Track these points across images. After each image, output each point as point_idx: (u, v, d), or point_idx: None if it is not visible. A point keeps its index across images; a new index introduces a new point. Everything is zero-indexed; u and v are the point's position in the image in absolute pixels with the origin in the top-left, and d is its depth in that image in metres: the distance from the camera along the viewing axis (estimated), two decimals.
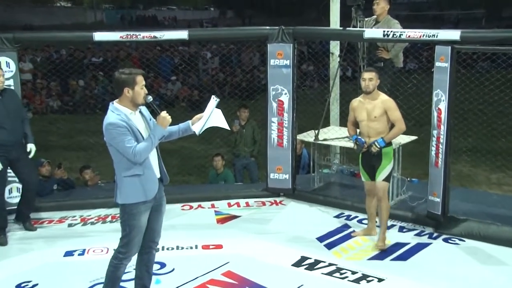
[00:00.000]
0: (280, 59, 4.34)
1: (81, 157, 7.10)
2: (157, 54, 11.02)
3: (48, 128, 8.35)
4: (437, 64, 3.46)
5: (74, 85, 10.17)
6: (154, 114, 2.79)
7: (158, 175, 2.75)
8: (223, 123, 2.84)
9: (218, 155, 5.76)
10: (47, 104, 9.80)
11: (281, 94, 4.42)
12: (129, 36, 4.02)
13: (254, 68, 10.69)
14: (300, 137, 4.71)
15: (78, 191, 4.96)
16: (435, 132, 3.57)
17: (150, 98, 2.74)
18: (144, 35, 4.07)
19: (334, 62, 4.78)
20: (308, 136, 4.67)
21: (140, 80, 2.72)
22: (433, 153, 3.62)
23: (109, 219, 4.11)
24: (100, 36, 4.10)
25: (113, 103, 2.76)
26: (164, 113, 2.75)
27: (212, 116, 2.81)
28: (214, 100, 2.81)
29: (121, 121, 2.60)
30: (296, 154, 4.75)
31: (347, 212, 4.05)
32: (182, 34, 4.10)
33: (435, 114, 3.52)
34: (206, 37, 4.97)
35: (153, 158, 2.81)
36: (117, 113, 2.63)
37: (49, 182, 4.98)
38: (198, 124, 2.81)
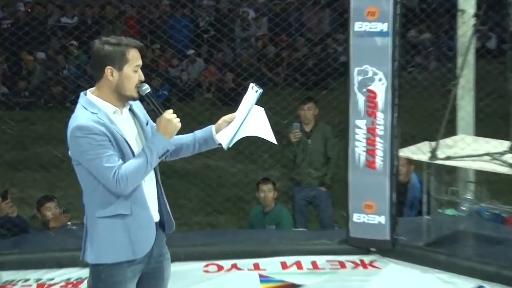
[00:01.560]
0: (372, 21, 4.31)
1: (40, 181, 7.41)
2: (166, 13, 11.24)
3: None
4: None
5: (30, 61, 10.47)
6: (155, 114, 2.88)
7: (157, 218, 2.84)
8: (266, 132, 2.95)
9: (267, 182, 5.84)
10: None
11: (372, 80, 4.43)
12: None
13: (326, 37, 10.76)
14: (405, 153, 4.63)
15: (34, 237, 5.05)
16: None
17: (147, 88, 2.80)
18: None
19: (466, 25, 4.66)
20: (419, 152, 4.53)
21: (134, 56, 2.80)
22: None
23: (84, 286, 4.09)
24: None
25: (86, 94, 2.84)
26: (169, 114, 2.79)
27: (249, 119, 2.91)
28: (253, 92, 2.92)
29: (98, 124, 2.70)
30: (399, 182, 4.74)
31: (489, 286, 3.95)
32: None
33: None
34: None
35: (150, 188, 2.88)
36: (91, 110, 2.77)
37: None
38: (227, 132, 2.90)
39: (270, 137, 2.92)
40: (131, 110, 2.87)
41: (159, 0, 11.61)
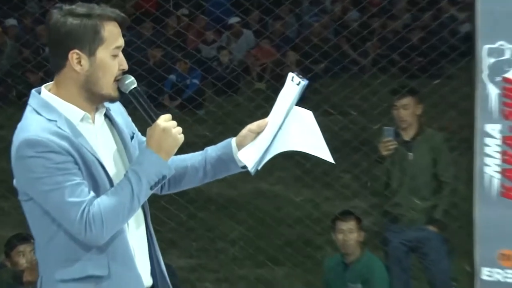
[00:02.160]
0: None
1: (10, 212, 7.64)
2: None
3: None
4: None
5: None
6: (143, 122, 2.98)
7: (148, 282, 2.98)
8: (315, 146, 3.10)
9: (348, 218, 5.98)
10: None
11: (511, 64, 4.47)
12: None
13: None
14: None
15: None
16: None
17: (131, 81, 2.93)
18: None
19: None
20: None
21: (112, 33, 2.91)
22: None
23: None
24: None
25: (39, 92, 2.97)
26: (165, 121, 2.91)
27: (288, 127, 3.08)
28: (294, 85, 3.08)
29: (57, 136, 2.81)
30: None
31: None
32: None
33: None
34: None
35: (137, 236, 2.97)
36: (47, 116, 2.88)
37: None
38: (255, 148, 3.09)
39: (323, 152, 3.03)
40: (107, 116, 2.99)
41: None
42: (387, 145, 5.80)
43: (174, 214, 6.92)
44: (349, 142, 7.29)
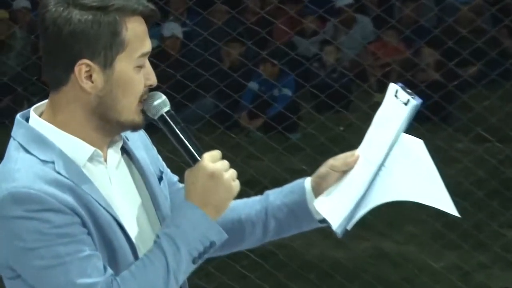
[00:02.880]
0: None
1: None
2: None
3: None
4: None
5: (1, 20, 11.26)
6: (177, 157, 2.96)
7: None
8: (434, 195, 3.04)
9: None
10: None
11: None
12: None
13: None
14: None
15: None
16: None
17: (162, 102, 2.91)
18: None
19: None
20: None
21: (136, 34, 2.86)
22: None
23: None
24: None
25: (27, 118, 2.89)
26: (212, 159, 2.87)
27: (391, 166, 3.05)
28: (399, 103, 3.04)
29: (56, 186, 2.78)
30: None
31: None
32: None
33: None
34: None
35: None
36: (40, 155, 2.84)
37: None
38: (340, 196, 3.09)
39: (442, 202, 2.98)
40: (125, 150, 3.00)
41: None
42: None
43: (255, 285, 7.05)
44: None
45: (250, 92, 10.58)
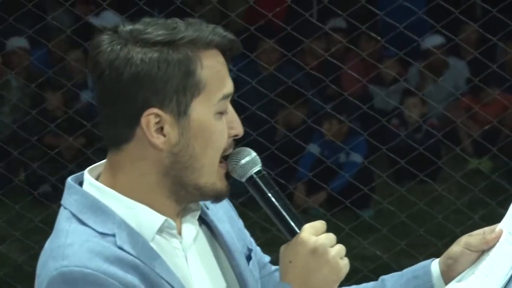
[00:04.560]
0: None
1: None
2: None
3: None
4: None
5: None
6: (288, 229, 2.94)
7: None
8: None
9: None
10: None
11: None
12: None
13: None
14: None
15: None
16: None
17: (250, 159, 2.94)
18: None
19: None
20: None
21: (215, 71, 2.88)
22: None
23: None
24: None
25: (81, 182, 2.92)
26: (316, 233, 2.89)
27: None
28: None
29: (117, 266, 2.83)
30: None
31: None
32: None
33: None
34: None
35: None
36: (97, 227, 2.88)
37: None
38: (480, 285, 3.12)
39: None
40: (203, 221, 3.03)
41: None
42: None
43: None
44: None
45: (310, 157, 10.69)
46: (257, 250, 3.13)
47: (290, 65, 10.18)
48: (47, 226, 9.10)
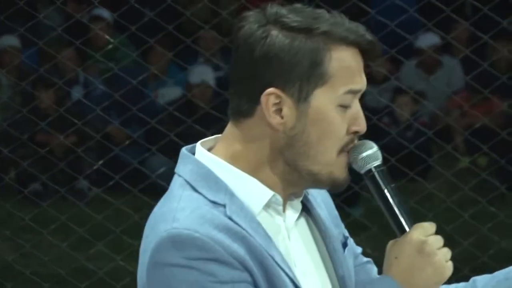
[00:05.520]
0: None
1: None
2: None
3: None
4: None
5: None
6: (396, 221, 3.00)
7: None
8: None
9: None
10: None
11: None
12: None
13: None
14: None
15: None
16: None
17: (372, 153, 2.98)
18: None
19: None
20: None
21: (344, 65, 2.92)
22: None
23: None
24: None
25: (193, 151, 3.03)
26: (425, 234, 2.95)
27: None
28: None
29: (228, 234, 2.90)
30: None
31: None
32: None
33: None
34: None
35: None
36: (210, 196, 2.96)
37: None
38: None
39: None
40: (305, 205, 3.06)
41: None
42: None
43: None
44: None
45: None
46: (351, 240, 3.15)
47: None
48: (38, 224, 9.14)
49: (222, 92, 9.66)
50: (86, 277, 8.63)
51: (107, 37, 10.90)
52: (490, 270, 3.21)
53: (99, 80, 11.08)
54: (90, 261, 8.69)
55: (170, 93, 11.14)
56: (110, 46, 10.83)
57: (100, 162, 9.02)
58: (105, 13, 11.33)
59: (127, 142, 9.96)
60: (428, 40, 11.77)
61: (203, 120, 8.62)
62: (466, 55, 10.77)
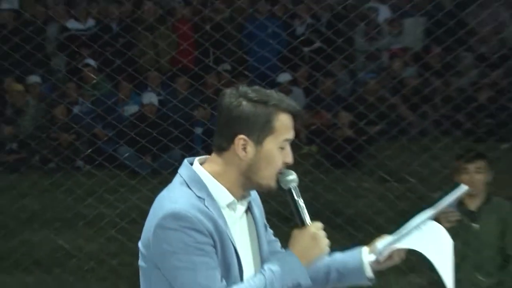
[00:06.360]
0: None
1: (34, 287, 7.75)
2: (243, 13, 11.34)
3: None
4: None
5: (19, 93, 11.05)
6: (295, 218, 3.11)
7: None
8: (444, 267, 3.21)
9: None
10: None
11: None
12: None
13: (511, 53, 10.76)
14: None
15: None
16: None
17: (294, 179, 3.11)
18: None
19: None
20: None
21: (284, 124, 3.07)
22: None
23: None
24: None
25: (192, 163, 3.14)
26: (317, 228, 3.08)
27: (426, 231, 3.34)
28: (457, 192, 3.36)
29: (205, 216, 3.00)
30: None
31: None
32: None
33: None
34: None
35: None
36: (198, 192, 3.05)
37: None
38: (389, 239, 3.33)
39: (445, 274, 3.17)
40: (249, 208, 3.17)
41: None
42: (449, 216, 5.57)
43: None
44: (406, 212, 7.24)
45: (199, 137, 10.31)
46: (268, 227, 3.26)
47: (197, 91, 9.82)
48: (53, 186, 8.75)
49: (162, 109, 9.56)
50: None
51: (93, 76, 10.78)
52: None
53: (89, 102, 10.99)
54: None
55: (131, 109, 11.00)
56: (94, 81, 10.79)
57: (89, 150, 9.00)
58: (91, 61, 11.09)
59: (105, 138, 9.94)
60: (284, 77, 11.44)
61: (151, 126, 8.52)
62: (306, 86, 10.73)
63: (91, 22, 11.97)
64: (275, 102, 3.00)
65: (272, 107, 3.00)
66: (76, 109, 10.68)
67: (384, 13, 12.20)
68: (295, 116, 3.05)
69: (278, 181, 3.06)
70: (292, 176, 3.05)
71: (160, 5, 11.66)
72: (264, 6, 11.47)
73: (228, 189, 3.04)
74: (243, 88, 3.04)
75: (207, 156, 3.11)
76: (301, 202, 3.07)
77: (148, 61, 10.11)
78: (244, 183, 3.05)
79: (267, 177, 3.03)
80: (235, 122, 3.00)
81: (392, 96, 10.46)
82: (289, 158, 3.04)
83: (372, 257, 3.24)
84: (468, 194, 5.80)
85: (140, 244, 3.04)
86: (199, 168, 3.06)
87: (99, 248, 8.00)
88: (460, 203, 5.78)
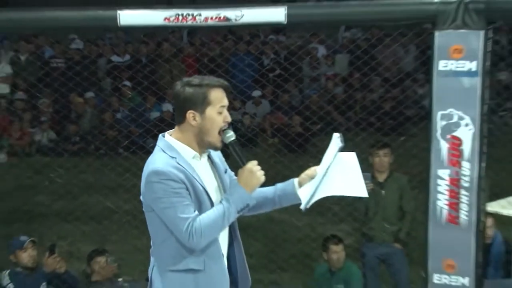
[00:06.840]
0: (459, 60, 4.06)
1: (90, 234, 7.50)
2: (228, 51, 11.26)
3: (33, 181, 8.85)
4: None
5: (80, 104, 10.79)
6: (235, 163, 2.99)
7: (228, 275, 3.04)
8: (353, 187, 3.02)
9: (336, 241, 5.75)
10: (32, 138, 10.37)
11: (458, 125, 4.27)
12: (180, 18, 3.70)
13: (405, 77, 10.68)
14: (494, 208, 4.67)
15: None
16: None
17: (231, 135, 2.95)
18: (207, 16, 3.71)
19: None
20: (509, 207, 4.62)
21: (217, 96, 2.95)
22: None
23: None
24: (129, 17, 3.70)
25: (164, 136, 3.01)
26: (252, 165, 2.93)
27: (332, 174, 2.97)
28: (338, 142, 3.04)
29: (176, 169, 2.90)
30: (483, 240, 4.58)
31: None
32: (276, 14, 3.71)
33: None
34: (318, 18, 3.96)
35: (224, 242, 2.99)
36: (170, 154, 2.95)
37: (33, 276, 5.21)
38: (308, 189, 3.01)
39: (358, 190, 2.98)
40: (209, 157, 3.03)
41: (221, 36, 11.73)
42: (366, 186, 5.60)
43: None
44: None
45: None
46: (229, 170, 3.09)
47: None
48: (70, 162, 8.69)
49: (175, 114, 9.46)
50: None
51: (129, 92, 10.66)
52: None
53: (126, 110, 10.71)
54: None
55: (155, 114, 10.70)
56: (130, 96, 10.66)
57: (126, 142, 8.80)
58: (128, 83, 10.89)
59: (137, 134, 9.71)
60: (256, 93, 11.13)
61: (168, 126, 8.37)
62: (271, 99, 10.65)
63: (127, 57, 11.81)
64: (207, 82, 2.90)
65: (206, 87, 2.89)
66: (118, 115, 10.59)
67: (322, 50, 12.15)
68: (225, 89, 2.92)
69: (222, 141, 2.93)
70: (230, 133, 2.92)
71: (174, 45, 11.61)
72: (243, 46, 11.42)
73: (191, 147, 2.92)
74: (186, 78, 2.94)
75: (173, 130, 2.98)
76: (238, 150, 2.93)
77: (166, 83, 9.93)
78: (199, 142, 2.92)
79: (212, 136, 2.91)
80: (184, 102, 2.89)
81: (328, 105, 10.45)
82: (228, 118, 2.92)
83: (302, 198, 3.02)
84: (378, 171, 5.85)
85: (141, 196, 2.93)
86: (169, 138, 2.95)
87: (133, 207, 7.86)
88: (372, 177, 5.75)
